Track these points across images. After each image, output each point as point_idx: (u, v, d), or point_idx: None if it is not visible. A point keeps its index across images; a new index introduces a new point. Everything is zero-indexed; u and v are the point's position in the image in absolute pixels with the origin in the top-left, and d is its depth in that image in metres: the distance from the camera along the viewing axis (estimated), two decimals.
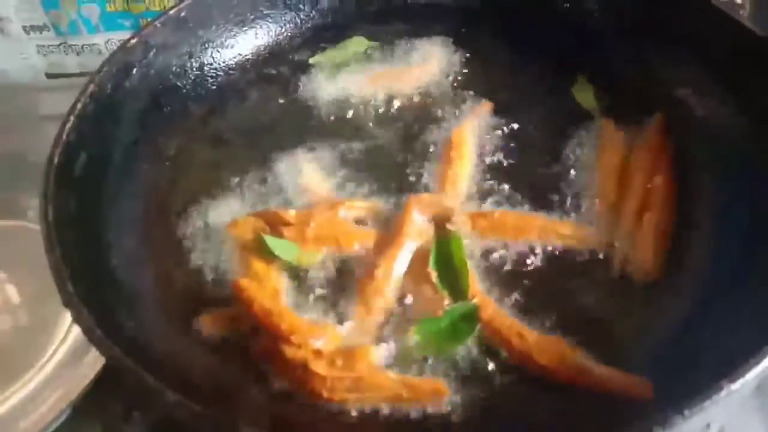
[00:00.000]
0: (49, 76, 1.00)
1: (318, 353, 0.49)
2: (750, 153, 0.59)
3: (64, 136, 0.55)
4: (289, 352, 0.49)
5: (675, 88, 0.66)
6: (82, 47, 1.00)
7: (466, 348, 0.51)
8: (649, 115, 0.65)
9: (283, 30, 0.77)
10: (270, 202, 0.62)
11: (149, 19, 0.95)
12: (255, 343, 0.51)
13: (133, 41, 0.64)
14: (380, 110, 0.70)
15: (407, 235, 0.56)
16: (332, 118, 0.70)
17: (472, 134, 0.66)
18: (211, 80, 0.72)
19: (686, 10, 0.65)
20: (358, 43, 0.76)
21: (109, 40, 0.99)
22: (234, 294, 0.53)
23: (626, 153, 0.63)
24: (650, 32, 0.68)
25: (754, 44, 0.60)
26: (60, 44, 0.98)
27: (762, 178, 0.58)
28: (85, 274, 0.49)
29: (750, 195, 0.58)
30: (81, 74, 0.99)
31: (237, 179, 0.64)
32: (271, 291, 0.53)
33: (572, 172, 0.63)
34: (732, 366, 0.41)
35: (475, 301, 0.53)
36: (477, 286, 0.54)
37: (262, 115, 0.71)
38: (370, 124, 0.69)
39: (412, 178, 0.64)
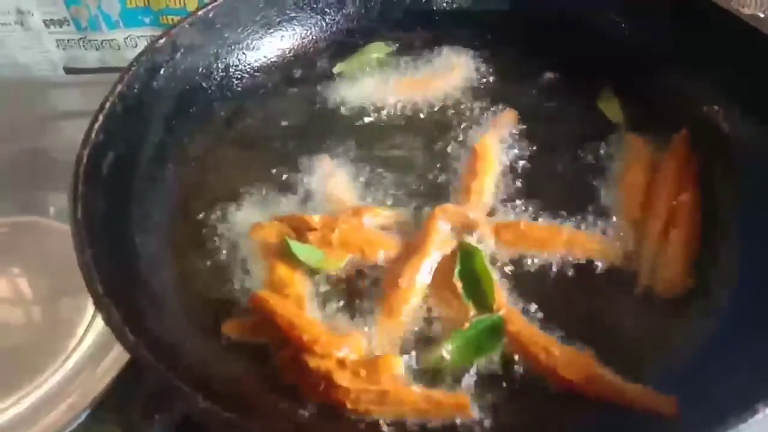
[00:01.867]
0: (67, 71, 0.99)
1: (342, 363, 0.49)
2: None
3: (93, 135, 0.55)
4: (313, 362, 0.49)
5: (701, 104, 0.66)
6: (102, 43, 1.00)
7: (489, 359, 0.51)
8: (675, 130, 0.65)
9: (309, 33, 0.76)
10: (294, 207, 0.62)
11: (170, 16, 0.96)
12: (279, 353, 0.51)
13: (162, 41, 0.64)
14: (404, 118, 0.70)
15: (432, 245, 0.56)
16: (356, 124, 0.70)
17: (497, 144, 0.66)
18: (236, 82, 0.72)
19: (713, 26, 0.65)
20: (377, 49, 0.76)
21: (129, 36, 0.98)
22: (254, 306, 0.53)
23: (652, 167, 0.63)
24: (677, 47, 0.68)
25: None
26: (80, 39, 0.97)
27: None
28: (113, 274, 0.49)
29: None
30: (100, 70, 0.98)
31: (261, 182, 0.64)
32: (294, 297, 0.53)
33: (597, 184, 0.63)
34: (765, 386, 0.40)
35: (501, 313, 0.53)
36: (502, 298, 0.54)
37: (286, 118, 0.70)
38: (394, 132, 0.69)
39: (435, 187, 0.63)
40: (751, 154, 0.62)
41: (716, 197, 0.61)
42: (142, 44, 0.99)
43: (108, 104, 0.58)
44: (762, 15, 0.85)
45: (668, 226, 0.59)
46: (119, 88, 0.59)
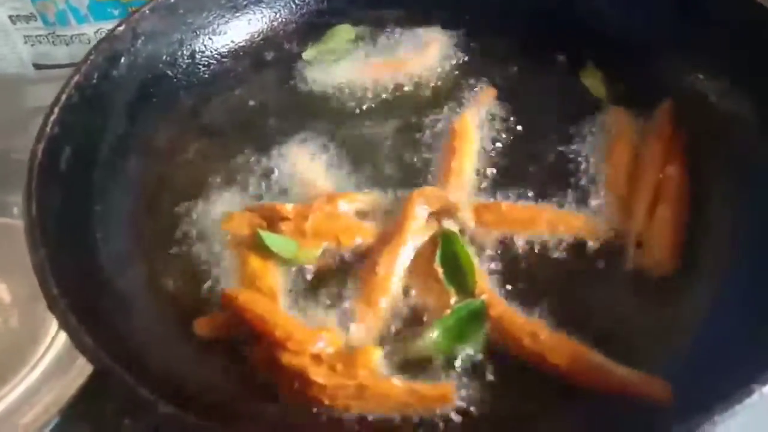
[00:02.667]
0: (37, 67, 0.96)
1: (317, 358, 0.47)
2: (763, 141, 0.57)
3: (48, 129, 0.52)
4: (286, 358, 0.46)
5: (686, 74, 0.63)
6: (71, 37, 0.97)
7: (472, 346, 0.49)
8: (660, 103, 0.62)
9: (278, 16, 0.73)
10: (267, 196, 0.59)
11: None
12: (253, 350, 0.49)
13: (120, 29, 0.61)
14: (378, 99, 0.67)
15: (410, 230, 0.53)
16: (329, 107, 0.67)
17: (475, 123, 0.63)
18: (203, 69, 0.69)
19: None
20: (345, 31, 0.73)
21: (99, 29, 0.95)
22: (225, 304, 0.50)
23: (637, 142, 0.61)
24: (658, 15, 0.65)
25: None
26: (48, 34, 0.95)
27: None
28: (72, 275, 0.46)
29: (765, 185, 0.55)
30: (70, 65, 0.96)
31: (231, 172, 0.61)
32: (268, 291, 0.51)
33: (581, 161, 0.61)
34: (759, 367, 0.38)
35: (483, 298, 0.50)
36: (485, 283, 0.52)
37: (256, 104, 0.68)
38: (369, 114, 0.66)
39: (413, 170, 0.61)
40: (738, 124, 0.59)
41: (705, 171, 0.58)
42: None
43: (64, 96, 0.55)
44: None
45: (655, 201, 0.56)
46: (75, 78, 0.56)
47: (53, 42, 0.95)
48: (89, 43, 0.96)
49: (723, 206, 0.57)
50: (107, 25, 0.95)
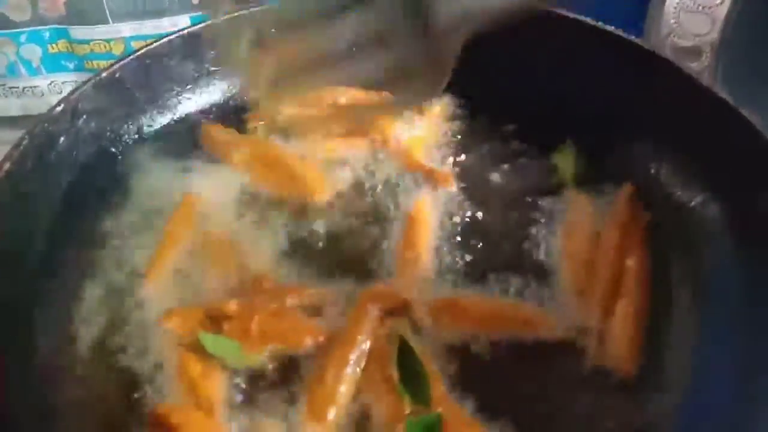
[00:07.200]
0: None
1: None
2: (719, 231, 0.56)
3: None
4: None
5: (648, 163, 0.62)
6: (23, 90, 0.95)
7: None
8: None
9: (230, 87, 0.71)
10: (213, 284, 0.56)
11: (95, 61, 0.91)
12: None
13: (59, 109, 0.58)
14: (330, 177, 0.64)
15: (360, 333, 0.51)
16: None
17: (432, 208, 0.61)
18: (151, 144, 0.66)
19: (662, 81, 0.61)
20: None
21: (52, 82, 0.94)
22: (154, 423, 0.46)
23: (598, 229, 0.59)
24: (623, 103, 0.64)
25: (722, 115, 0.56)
26: None
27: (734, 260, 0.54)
28: None
29: (726, 272, 0.54)
30: (23, 118, 0.93)
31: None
32: (205, 402, 0.47)
33: (541, 249, 0.59)
34: None
35: (439, 410, 0.47)
36: (442, 390, 0.49)
37: None
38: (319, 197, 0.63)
39: (368, 257, 0.58)
40: (696, 215, 0.58)
41: (668, 263, 0.57)
42: (67, 89, 0.94)
43: None
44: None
45: (614, 292, 0.55)
46: (6, 167, 0.52)
47: (5, 94, 0.93)
48: (42, 95, 0.94)
49: (685, 295, 0.55)
50: (61, 78, 0.93)
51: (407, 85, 0.53)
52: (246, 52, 0.53)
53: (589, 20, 0.62)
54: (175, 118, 0.68)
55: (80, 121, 0.60)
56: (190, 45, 0.66)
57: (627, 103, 0.63)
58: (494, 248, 0.59)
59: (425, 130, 0.67)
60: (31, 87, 0.94)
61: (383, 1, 0.50)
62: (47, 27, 0.89)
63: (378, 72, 0.52)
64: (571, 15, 0.64)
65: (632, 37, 0.62)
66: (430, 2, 0.48)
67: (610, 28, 0.62)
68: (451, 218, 0.61)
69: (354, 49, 0.49)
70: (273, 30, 0.53)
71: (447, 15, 0.48)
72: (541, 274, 0.57)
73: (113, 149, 0.64)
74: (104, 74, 0.61)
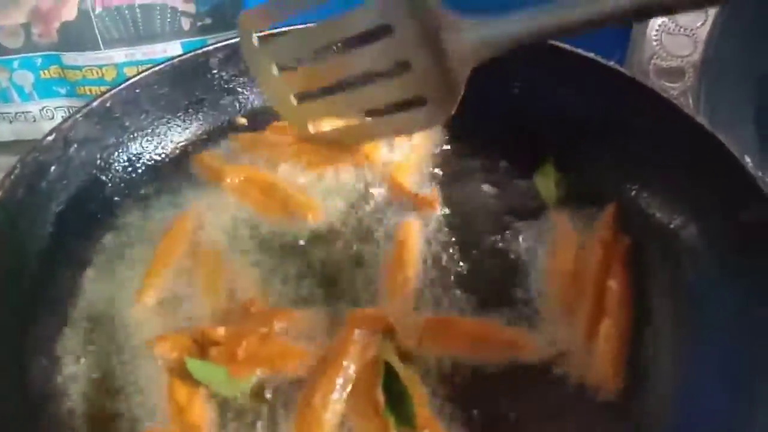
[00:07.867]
0: None
1: None
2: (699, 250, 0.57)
3: None
4: None
5: (627, 183, 0.63)
6: (15, 115, 0.96)
7: None
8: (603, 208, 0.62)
9: (221, 114, 0.72)
10: (201, 311, 0.56)
11: (87, 87, 0.92)
12: None
13: (50, 138, 0.59)
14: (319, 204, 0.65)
15: (346, 358, 0.51)
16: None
17: (419, 232, 0.62)
18: (140, 172, 0.67)
19: (642, 106, 0.62)
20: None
21: (44, 107, 0.95)
22: None
23: (581, 249, 0.60)
24: (603, 126, 0.65)
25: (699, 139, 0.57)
26: None
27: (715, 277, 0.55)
28: None
29: (707, 289, 0.55)
30: (15, 143, 0.95)
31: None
32: (191, 428, 0.48)
33: (526, 270, 0.60)
34: None
35: None
36: (428, 413, 0.50)
37: None
38: (307, 222, 0.64)
39: (356, 282, 0.59)
40: (677, 237, 0.59)
41: (650, 281, 0.58)
42: (59, 115, 0.96)
43: None
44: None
45: (597, 313, 0.55)
46: None
47: None
48: (35, 121, 0.95)
49: (668, 315, 0.56)
50: (53, 103, 0.95)
51: (419, 109, 0.55)
52: (275, 71, 0.54)
53: (567, 46, 0.64)
54: (165, 145, 0.69)
55: (71, 150, 0.61)
56: (180, 73, 0.67)
57: (607, 127, 0.64)
58: (479, 270, 0.60)
59: (410, 155, 0.68)
60: (23, 112, 0.95)
61: (404, 30, 0.51)
62: (40, 53, 0.90)
63: (394, 96, 0.55)
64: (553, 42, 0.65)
65: (611, 63, 0.63)
66: (450, 31, 0.50)
67: (590, 54, 0.63)
68: (437, 241, 0.62)
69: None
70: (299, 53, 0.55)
71: (465, 44, 0.50)
72: (526, 295, 0.58)
73: (103, 177, 0.65)
74: (95, 103, 0.62)
